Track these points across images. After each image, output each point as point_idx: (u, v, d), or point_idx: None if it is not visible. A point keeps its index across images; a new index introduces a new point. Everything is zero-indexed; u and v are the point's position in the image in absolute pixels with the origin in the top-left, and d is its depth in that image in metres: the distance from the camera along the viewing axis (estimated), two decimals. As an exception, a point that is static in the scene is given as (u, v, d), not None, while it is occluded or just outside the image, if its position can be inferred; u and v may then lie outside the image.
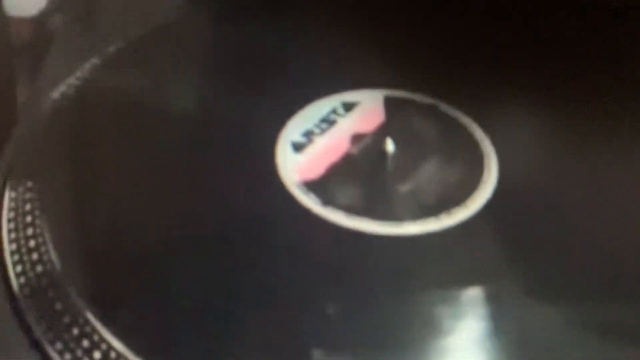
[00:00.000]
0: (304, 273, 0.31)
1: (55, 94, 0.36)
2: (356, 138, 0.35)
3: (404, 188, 0.33)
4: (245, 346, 0.29)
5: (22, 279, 0.30)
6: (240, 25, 0.40)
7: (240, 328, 0.29)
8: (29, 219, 0.32)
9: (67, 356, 0.28)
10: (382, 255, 0.32)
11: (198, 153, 0.34)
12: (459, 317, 0.30)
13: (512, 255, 0.32)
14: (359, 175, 0.34)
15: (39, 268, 0.30)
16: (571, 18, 0.40)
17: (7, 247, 0.31)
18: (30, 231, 0.31)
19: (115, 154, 0.34)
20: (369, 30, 0.39)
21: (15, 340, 0.29)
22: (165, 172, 0.34)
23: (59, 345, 0.29)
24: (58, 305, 0.29)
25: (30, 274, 0.30)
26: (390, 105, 0.36)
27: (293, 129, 0.35)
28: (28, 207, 0.32)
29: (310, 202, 0.33)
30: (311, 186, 0.33)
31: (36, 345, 0.29)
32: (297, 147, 0.35)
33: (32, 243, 0.31)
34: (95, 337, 0.28)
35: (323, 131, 0.35)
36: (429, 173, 0.34)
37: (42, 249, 0.31)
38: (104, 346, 0.28)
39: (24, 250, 0.31)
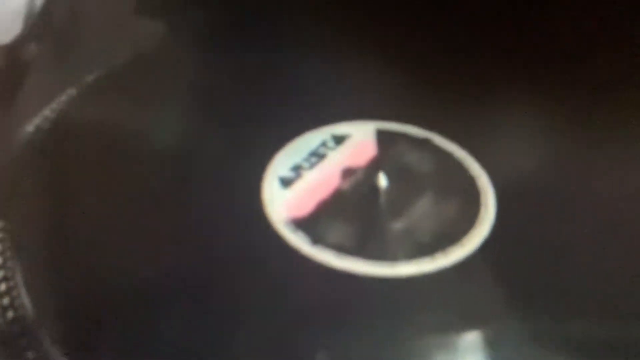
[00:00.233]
0: (292, 317, 0.30)
1: (30, 127, 0.36)
2: (347, 173, 0.34)
3: (398, 226, 0.33)
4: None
5: (-8, 326, 0.30)
6: (226, 54, 0.39)
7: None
8: None
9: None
10: (374, 298, 0.31)
11: (180, 190, 0.34)
12: (456, 364, 0.29)
13: (511, 297, 0.31)
14: (350, 212, 0.33)
15: (10, 314, 0.30)
16: (573, 47, 0.40)
17: (-24, 291, 0.30)
18: (1, 274, 0.31)
19: (93, 192, 0.34)
20: (360, 60, 0.39)
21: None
22: (146, 211, 0.33)
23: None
24: (30, 355, 0.29)
25: (0, 320, 0.30)
26: (383, 138, 0.36)
27: (281, 163, 0.35)
28: (-1, 247, 0.31)
29: (299, 240, 0.32)
30: (300, 224, 0.32)
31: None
32: (285, 183, 0.34)
33: (2, 287, 0.30)
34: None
35: (312, 165, 0.35)
36: (424, 210, 0.33)
37: (14, 293, 0.30)
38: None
39: (-6, 294, 0.30)
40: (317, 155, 0.35)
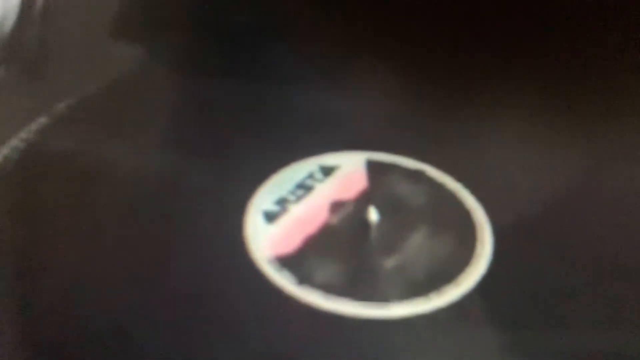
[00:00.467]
0: (278, 362, 0.30)
1: (-3, 158, 0.36)
2: (336, 206, 0.34)
3: (389, 264, 0.32)
4: None
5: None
6: (207, 81, 0.39)
7: None
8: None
9: None
10: (365, 341, 0.30)
11: (156, 226, 0.33)
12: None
13: (510, 339, 0.30)
14: (338, 249, 0.33)
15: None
16: (567, 77, 0.40)
17: None
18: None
19: (65, 228, 0.33)
20: (350, 87, 0.39)
21: None
22: (120, 247, 0.32)
23: None
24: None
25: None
26: (373, 169, 0.35)
27: (265, 197, 0.34)
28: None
29: (284, 280, 0.31)
30: (285, 262, 0.32)
31: None
32: (270, 217, 0.33)
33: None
34: None
35: (299, 198, 0.34)
36: (417, 246, 0.33)
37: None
38: None
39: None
40: (304, 188, 0.34)
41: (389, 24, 0.41)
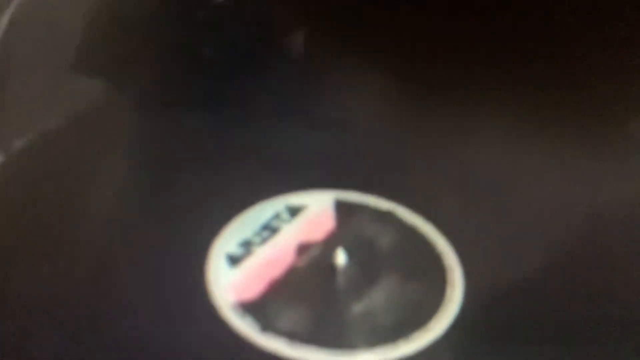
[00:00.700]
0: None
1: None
2: (302, 249, 0.33)
3: (357, 309, 0.31)
4: None
5: None
6: (170, 116, 0.39)
7: None
8: None
9: None
10: None
11: (114, 269, 0.33)
12: None
13: None
14: (304, 294, 0.32)
15: None
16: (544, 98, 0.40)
17: None
18: None
19: (21, 272, 0.32)
20: (317, 124, 0.38)
21: None
22: (76, 291, 0.32)
23: None
24: None
25: None
26: (342, 209, 0.35)
27: (228, 238, 0.34)
28: None
29: (247, 327, 0.31)
30: (248, 308, 0.31)
31: None
32: (233, 260, 0.33)
33: None
34: None
35: (264, 240, 0.34)
36: (386, 291, 0.32)
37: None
38: None
39: None
40: (270, 229, 0.34)
41: (358, 59, 0.41)
